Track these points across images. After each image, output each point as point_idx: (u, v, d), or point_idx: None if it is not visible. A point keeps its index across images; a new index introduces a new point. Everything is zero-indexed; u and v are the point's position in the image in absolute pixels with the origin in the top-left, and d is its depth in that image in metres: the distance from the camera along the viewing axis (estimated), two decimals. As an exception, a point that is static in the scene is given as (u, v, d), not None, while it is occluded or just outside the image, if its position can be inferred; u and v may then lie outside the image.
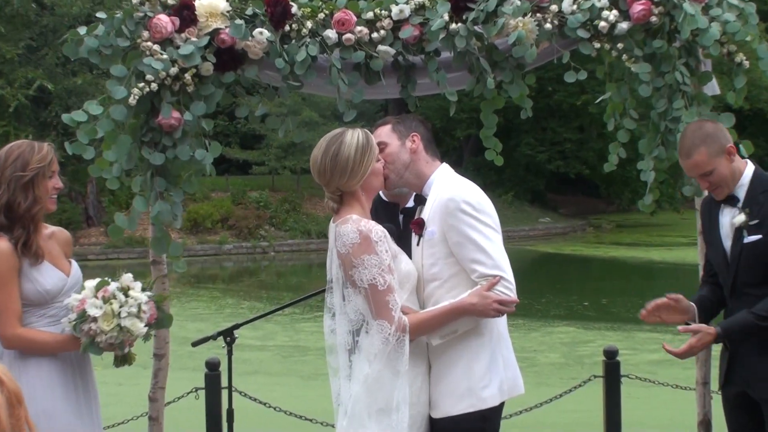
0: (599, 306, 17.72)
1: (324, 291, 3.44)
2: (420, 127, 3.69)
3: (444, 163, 3.70)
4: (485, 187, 3.73)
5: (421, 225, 3.48)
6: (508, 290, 3.31)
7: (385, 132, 3.64)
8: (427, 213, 3.48)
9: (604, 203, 40.86)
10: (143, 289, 3.76)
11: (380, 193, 4.02)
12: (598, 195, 40.60)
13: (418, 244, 3.49)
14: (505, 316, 3.46)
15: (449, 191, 3.42)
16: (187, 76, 4.06)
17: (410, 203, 4.01)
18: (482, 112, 4.40)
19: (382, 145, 3.57)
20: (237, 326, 4.58)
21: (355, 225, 3.25)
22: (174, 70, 4.04)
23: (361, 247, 3.21)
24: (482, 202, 3.41)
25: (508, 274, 3.33)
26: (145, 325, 3.71)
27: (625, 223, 36.66)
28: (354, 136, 3.36)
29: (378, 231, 3.25)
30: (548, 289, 19.95)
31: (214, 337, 4.56)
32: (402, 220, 4.01)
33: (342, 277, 3.29)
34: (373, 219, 3.35)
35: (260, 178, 34.31)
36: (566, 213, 38.54)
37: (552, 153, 36.74)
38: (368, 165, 3.35)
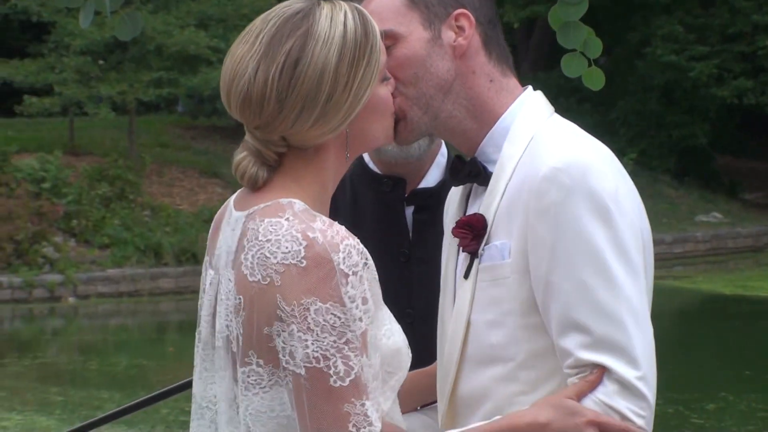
0: None
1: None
2: None
3: (529, 87, 3.27)
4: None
5: (478, 231, 3.15)
6: (634, 405, 2.95)
7: (391, 7, 3.29)
8: (493, 204, 3.12)
9: None
10: None
11: (363, 156, 3.95)
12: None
13: (467, 276, 3.21)
14: None
15: (552, 154, 3.05)
16: None
17: (430, 180, 3.98)
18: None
19: (387, 41, 3.22)
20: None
21: (299, 225, 2.87)
22: None
23: (309, 278, 2.86)
24: (623, 191, 3.06)
25: (643, 364, 2.96)
26: None
27: None
28: (338, 18, 3.02)
29: (353, 251, 2.91)
30: (726, 380, 16.82)
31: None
32: (412, 218, 3.96)
33: (243, 336, 2.88)
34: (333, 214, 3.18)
35: (43, 124, 28.52)
36: (760, 200, 30.39)
37: (726, 61, 28.14)
38: (365, 86, 3.02)
